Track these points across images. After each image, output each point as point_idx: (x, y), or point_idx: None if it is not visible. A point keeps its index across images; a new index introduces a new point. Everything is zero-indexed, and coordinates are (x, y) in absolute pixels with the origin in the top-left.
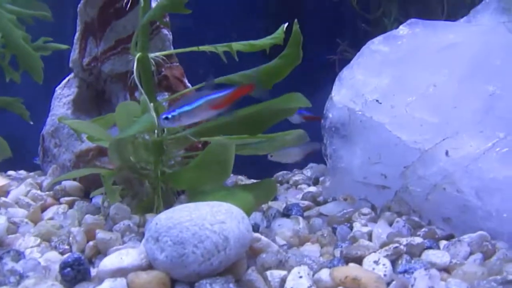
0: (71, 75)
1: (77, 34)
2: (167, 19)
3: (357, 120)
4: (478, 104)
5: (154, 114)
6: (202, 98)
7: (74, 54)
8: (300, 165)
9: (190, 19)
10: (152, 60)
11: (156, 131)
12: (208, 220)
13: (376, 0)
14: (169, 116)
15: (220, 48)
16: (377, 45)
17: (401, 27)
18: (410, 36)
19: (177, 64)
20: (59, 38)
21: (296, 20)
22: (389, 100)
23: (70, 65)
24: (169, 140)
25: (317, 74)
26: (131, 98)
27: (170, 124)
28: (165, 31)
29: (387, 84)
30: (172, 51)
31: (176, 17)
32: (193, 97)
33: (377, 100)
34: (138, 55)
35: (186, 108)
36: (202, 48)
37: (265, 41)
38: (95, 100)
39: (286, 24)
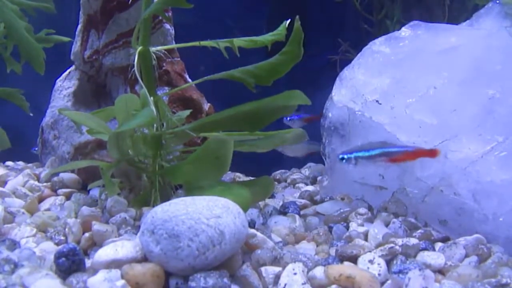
0: (72, 68)
1: (79, 27)
2: (170, 14)
3: (356, 120)
4: (477, 108)
5: (153, 108)
6: (381, 149)
7: (76, 47)
8: (299, 164)
9: (192, 14)
10: (153, 54)
11: (155, 125)
12: (204, 214)
13: (379, 2)
14: (345, 156)
15: (221, 43)
16: (378, 46)
17: (403, 28)
18: (412, 38)
19: (179, 59)
20: (61, 30)
21: (297, 17)
22: (389, 101)
23: (72, 57)
24: (167, 134)
25: (318, 73)
26: (131, 92)
27: (344, 164)
28: (167, 26)
29: (387, 85)
30: (173, 45)
31: (178, 12)
32: (372, 145)
33: (377, 101)
34: (139, 48)
35: (362, 154)
36: (204, 43)
37: (267, 38)
38: (95, 93)
39: (289, 21)
